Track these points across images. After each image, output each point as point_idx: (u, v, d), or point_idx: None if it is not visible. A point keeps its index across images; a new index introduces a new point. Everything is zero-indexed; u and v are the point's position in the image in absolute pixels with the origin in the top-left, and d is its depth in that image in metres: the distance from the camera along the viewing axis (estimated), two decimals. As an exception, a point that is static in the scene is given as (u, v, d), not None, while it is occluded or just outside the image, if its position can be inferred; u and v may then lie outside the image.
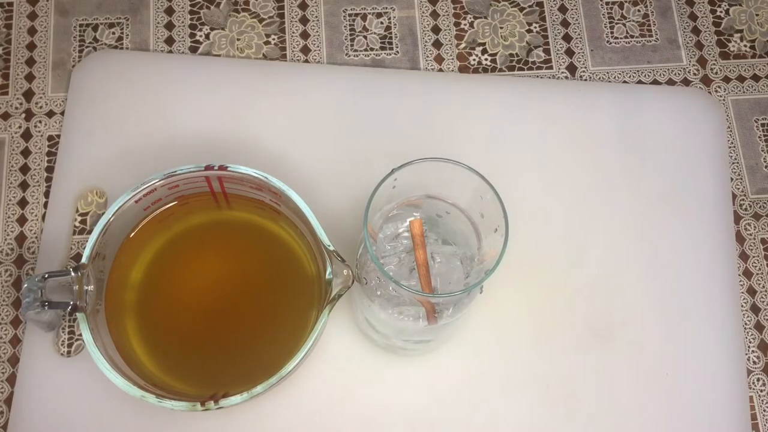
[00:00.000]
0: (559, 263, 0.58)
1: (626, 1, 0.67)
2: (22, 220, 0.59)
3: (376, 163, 0.54)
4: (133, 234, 0.51)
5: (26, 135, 0.61)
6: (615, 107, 0.62)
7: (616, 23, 0.66)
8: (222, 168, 0.49)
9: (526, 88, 0.63)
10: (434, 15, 0.66)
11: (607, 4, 0.67)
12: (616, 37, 0.66)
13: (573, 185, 0.60)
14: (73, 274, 0.46)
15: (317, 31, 0.65)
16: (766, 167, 0.63)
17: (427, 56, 0.64)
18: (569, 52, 0.65)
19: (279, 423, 0.53)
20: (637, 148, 0.61)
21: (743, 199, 0.62)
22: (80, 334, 0.45)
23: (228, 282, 0.52)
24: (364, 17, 0.65)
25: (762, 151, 0.63)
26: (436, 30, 0.65)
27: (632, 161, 0.61)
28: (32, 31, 0.64)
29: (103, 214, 0.48)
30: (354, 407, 0.54)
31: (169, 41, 0.64)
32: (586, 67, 0.65)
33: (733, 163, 0.62)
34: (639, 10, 0.67)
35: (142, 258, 0.50)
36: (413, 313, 0.47)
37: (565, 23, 0.66)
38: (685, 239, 0.59)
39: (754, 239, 0.61)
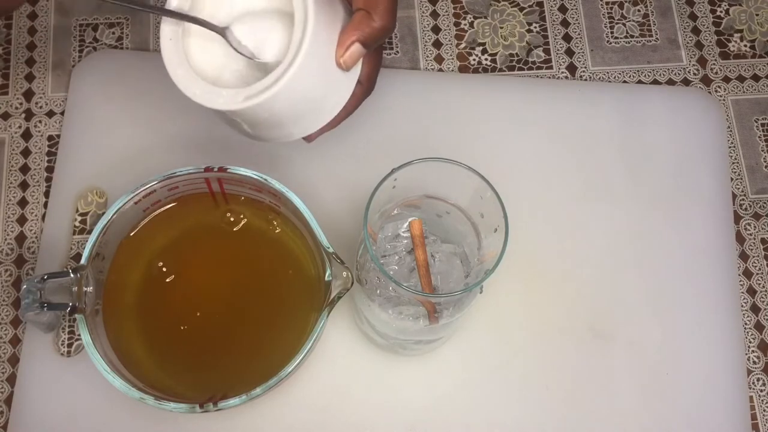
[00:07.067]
0: (559, 263, 0.58)
1: (626, 1, 0.67)
2: (22, 220, 0.59)
3: (376, 163, 0.54)
4: (132, 235, 0.51)
5: (26, 135, 0.61)
6: (615, 107, 0.62)
7: (616, 23, 0.66)
8: (221, 169, 0.49)
9: (526, 88, 0.63)
10: (434, 15, 0.66)
11: (607, 4, 0.67)
12: (616, 37, 0.66)
13: (573, 185, 0.60)
14: (72, 275, 0.46)
15: (317, 31, 0.64)
16: (766, 167, 0.62)
17: (427, 56, 0.64)
18: (569, 52, 0.65)
19: (278, 424, 0.53)
20: (636, 148, 0.61)
21: (743, 199, 0.62)
22: (80, 335, 0.45)
23: (227, 283, 0.52)
24: (364, 17, 0.65)
25: (762, 151, 0.63)
26: (436, 30, 0.65)
27: (632, 161, 0.61)
28: (32, 31, 0.64)
29: (103, 214, 0.48)
30: (354, 407, 0.54)
31: (169, 41, 0.64)
32: (586, 67, 0.64)
33: (733, 163, 0.62)
34: (639, 10, 0.67)
35: (142, 259, 0.50)
36: (413, 313, 0.47)
37: (565, 23, 0.66)
38: (685, 239, 0.59)
39: (754, 239, 0.61)
